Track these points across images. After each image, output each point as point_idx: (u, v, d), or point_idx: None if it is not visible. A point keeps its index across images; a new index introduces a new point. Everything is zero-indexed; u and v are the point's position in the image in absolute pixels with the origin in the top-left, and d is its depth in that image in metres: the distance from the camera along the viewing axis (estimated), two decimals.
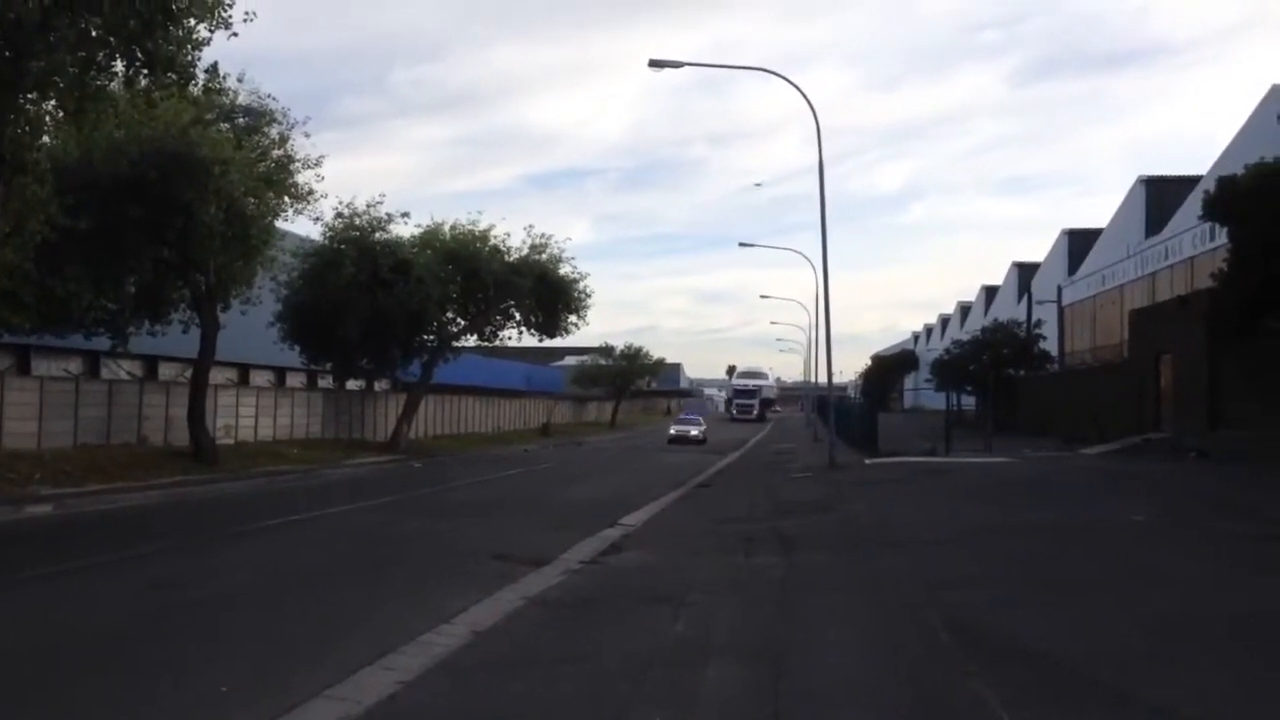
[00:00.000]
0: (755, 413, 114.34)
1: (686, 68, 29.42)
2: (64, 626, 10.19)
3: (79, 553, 14.66)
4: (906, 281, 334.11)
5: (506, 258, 43.09)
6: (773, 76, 31.49)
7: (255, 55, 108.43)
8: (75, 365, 34.00)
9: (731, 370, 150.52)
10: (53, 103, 19.70)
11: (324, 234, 39.47)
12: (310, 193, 31.95)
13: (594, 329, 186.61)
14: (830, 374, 35.76)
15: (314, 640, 9.56)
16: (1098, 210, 56.88)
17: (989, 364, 52.59)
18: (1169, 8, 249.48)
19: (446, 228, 42.96)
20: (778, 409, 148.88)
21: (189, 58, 20.09)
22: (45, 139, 22.49)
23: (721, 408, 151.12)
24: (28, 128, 19.60)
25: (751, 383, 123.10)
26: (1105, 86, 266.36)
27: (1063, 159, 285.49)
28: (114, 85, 20.48)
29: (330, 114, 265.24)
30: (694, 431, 62.36)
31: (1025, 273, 70.46)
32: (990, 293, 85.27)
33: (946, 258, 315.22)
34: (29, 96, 18.68)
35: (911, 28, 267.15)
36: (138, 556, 14.45)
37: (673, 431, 63.66)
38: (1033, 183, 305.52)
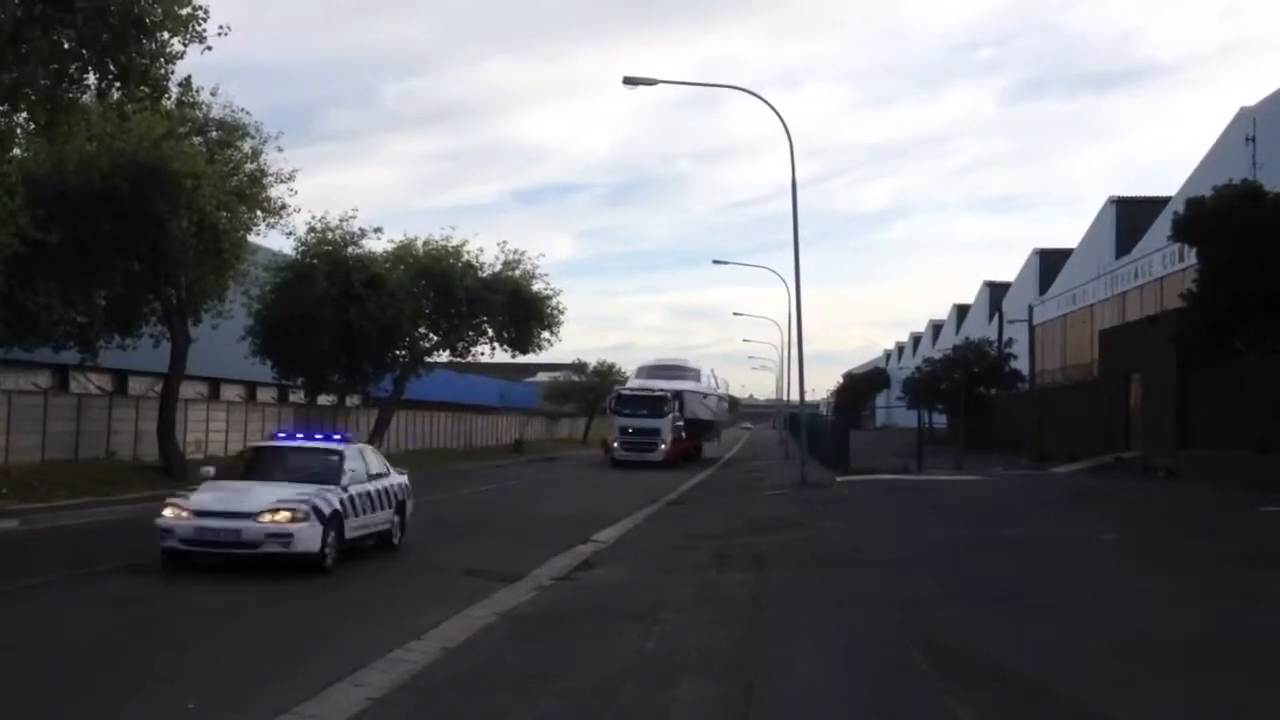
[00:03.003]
0: (662, 448, 49.66)
1: (667, 85, 29.56)
2: (26, 644, 10.08)
3: (43, 569, 14.49)
4: (886, 299, 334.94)
5: (480, 273, 43.01)
6: (753, 95, 31.56)
7: (242, 68, 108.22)
8: (44, 379, 33.69)
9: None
10: (24, 115, 19.60)
11: (296, 248, 39.31)
12: (283, 207, 31.87)
13: (574, 345, 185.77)
14: (802, 391, 35.68)
15: (284, 656, 9.51)
16: (1080, 230, 57.78)
17: (960, 382, 52.85)
18: (1160, 29, 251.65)
19: (420, 243, 42.86)
20: (748, 426, 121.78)
21: (162, 71, 20.00)
22: (16, 151, 22.36)
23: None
24: None
25: (661, 386, 53.08)
26: (1093, 107, 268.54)
27: (1048, 179, 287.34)
28: (86, 98, 20.39)
29: (318, 127, 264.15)
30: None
31: (997, 292, 70.86)
32: (962, 311, 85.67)
33: (926, 276, 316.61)
34: (0, 108, 18.56)
35: (905, 47, 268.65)
36: (104, 573, 14.30)
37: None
38: (1017, 202, 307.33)
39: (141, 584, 13.34)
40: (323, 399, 47.39)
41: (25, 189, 22.64)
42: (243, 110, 31.42)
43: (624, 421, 50.51)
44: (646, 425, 49.47)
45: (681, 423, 52.00)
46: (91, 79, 19.03)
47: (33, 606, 12.01)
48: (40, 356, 30.65)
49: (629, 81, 28.58)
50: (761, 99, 30.69)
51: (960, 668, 8.81)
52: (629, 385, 56.22)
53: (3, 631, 10.62)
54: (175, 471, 29.79)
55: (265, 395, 46.97)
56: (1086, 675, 8.57)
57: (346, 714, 7.47)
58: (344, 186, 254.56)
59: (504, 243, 53.29)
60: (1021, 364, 55.71)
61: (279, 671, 8.85)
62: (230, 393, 43.73)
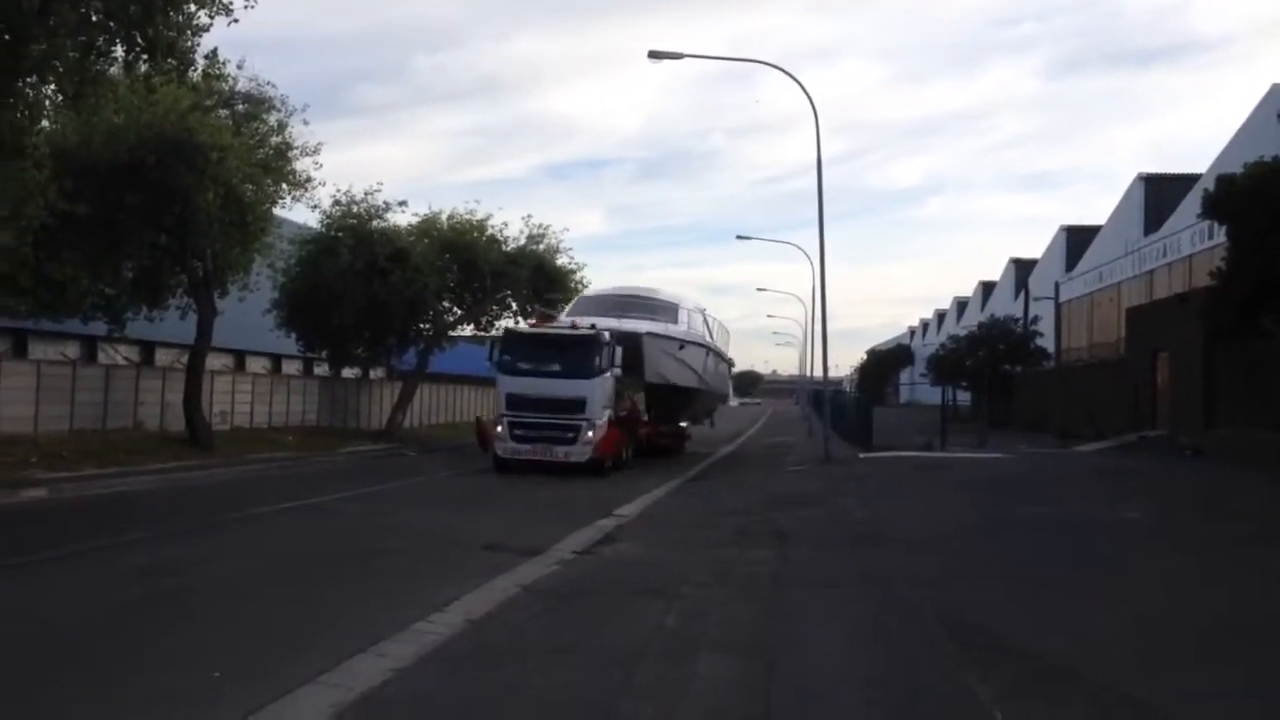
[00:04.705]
0: (588, 436, 27.53)
1: (698, 60, 29.39)
2: (55, 611, 10.21)
3: (72, 538, 14.67)
4: (913, 277, 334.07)
5: (504, 247, 43.00)
6: (779, 70, 31.35)
7: (271, 41, 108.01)
8: (72, 350, 34.01)
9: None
10: (52, 87, 19.65)
11: (321, 221, 39.44)
12: (308, 180, 31.98)
13: None
14: (825, 367, 35.66)
15: (308, 626, 9.59)
16: (1109, 208, 57.09)
17: (985, 360, 52.63)
18: (1203, 3, 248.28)
19: (444, 217, 42.88)
20: (756, 402, 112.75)
21: (189, 44, 20.09)
22: (44, 124, 22.46)
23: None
24: (27, 112, 19.55)
25: (604, 325, 28.85)
26: (1132, 83, 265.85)
27: (1081, 156, 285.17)
28: (113, 70, 20.47)
29: (348, 101, 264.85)
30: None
31: (1023, 269, 70.43)
32: (987, 288, 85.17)
33: (954, 253, 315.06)
34: (28, 81, 18.63)
35: (942, 22, 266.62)
36: (131, 542, 14.45)
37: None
38: (1048, 180, 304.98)
39: (167, 554, 13.46)
40: (347, 372, 47.63)
41: (53, 161, 22.76)
42: (268, 83, 31.55)
43: (516, 388, 28.04)
44: (557, 395, 27.47)
45: (639, 391, 31.21)
46: (119, 51, 19.07)
47: (61, 575, 12.15)
48: (69, 328, 30.96)
49: (654, 55, 28.41)
50: (788, 74, 30.45)
51: (982, 645, 8.81)
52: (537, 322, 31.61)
53: (32, 600, 10.76)
54: (201, 442, 30.04)
55: (290, 368, 47.26)
56: (1109, 654, 8.56)
57: (370, 684, 7.54)
58: (374, 161, 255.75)
59: (528, 217, 53.08)
60: (1047, 342, 55.41)
61: (303, 642, 8.93)
62: (256, 365, 44.03)
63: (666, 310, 33.02)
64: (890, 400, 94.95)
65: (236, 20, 19.62)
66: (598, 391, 27.74)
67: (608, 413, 28.13)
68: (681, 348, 31.95)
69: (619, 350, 28.09)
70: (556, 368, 27.91)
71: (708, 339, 36.31)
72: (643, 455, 31.70)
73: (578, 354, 27.96)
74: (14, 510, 18.43)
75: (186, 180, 26.02)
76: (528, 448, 27.65)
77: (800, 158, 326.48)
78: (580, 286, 45.10)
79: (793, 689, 7.71)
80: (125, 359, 35.50)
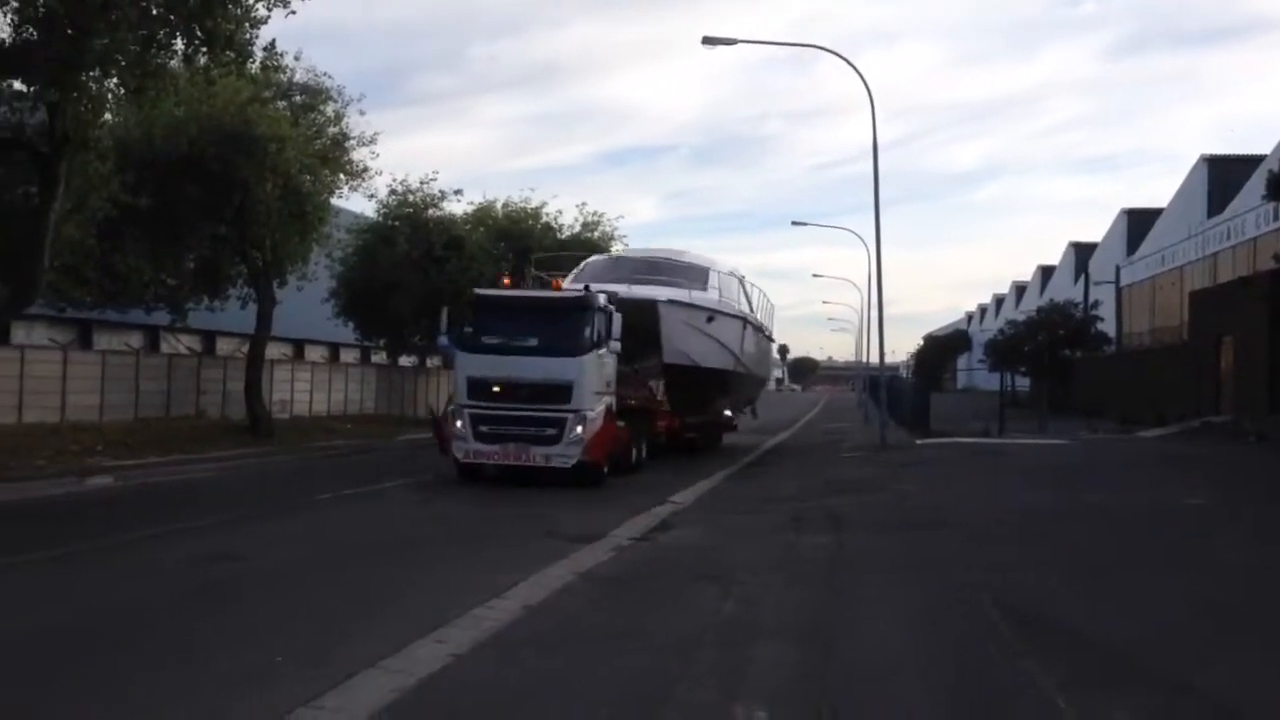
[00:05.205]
0: (577, 433, 20.45)
1: (753, 45, 29.25)
2: (121, 597, 10.41)
3: (136, 524, 14.93)
4: (973, 261, 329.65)
5: (558, 235, 43.13)
6: (833, 54, 31.14)
7: (330, 32, 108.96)
8: (136, 340, 34.61)
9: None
10: (114, 81, 19.97)
11: (378, 211, 39.80)
12: (365, 170, 32.30)
13: None
14: (882, 353, 35.49)
15: (368, 613, 9.69)
16: (1172, 191, 55.74)
17: (1044, 345, 51.95)
18: None
19: (499, 205, 43.10)
20: (793, 388, 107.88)
21: (247, 36, 20.32)
22: (107, 117, 22.82)
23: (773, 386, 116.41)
24: (90, 106, 19.90)
25: (606, 290, 22.25)
26: (1195, 63, 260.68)
27: (1143, 138, 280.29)
28: (174, 63, 20.75)
29: (406, 91, 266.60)
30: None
31: (1083, 253, 69.42)
32: (1046, 273, 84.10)
33: (1015, 237, 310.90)
34: (91, 75, 18.96)
35: (1003, 3, 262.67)
36: (194, 528, 14.69)
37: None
38: (1109, 162, 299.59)
39: (230, 540, 13.67)
40: (404, 360, 48.05)
41: (116, 154, 23.16)
42: (325, 74, 31.84)
43: (480, 369, 21.24)
44: (535, 377, 20.87)
45: (658, 375, 26.15)
46: (179, 45, 19.37)
47: (126, 560, 12.37)
48: (132, 318, 31.52)
49: (708, 41, 28.29)
50: (842, 58, 30.23)
51: (1042, 633, 8.72)
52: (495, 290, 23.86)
53: (99, 585, 10.98)
54: (262, 430, 30.45)
55: (348, 356, 47.75)
56: (1171, 641, 8.45)
57: (429, 669, 7.61)
58: (430, 150, 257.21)
59: (583, 204, 53.28)
60: (1107, 326, 54.61)
61: (363, 628, 9.03)
62: (314, 353, 44.54)
63: (692, 274, 26.65)
64: (947, 386, 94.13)
65: (294, 12, 19.90)
66: (589, 373, 20.80)
67: (605, 401, 21.34)
68: (710, 320, 25.90)
69: (618, 320, 21.37)
70: (534, 342, 21.06)
71: (745, 310, 30.16)
72: (666, 453, 26.89)
73: (562, 323, 21.04)
74: (82, 497, 18.82)
75: (245, 172, 26.38)
76: (495, 449, 20.61)
77: (857, 142, 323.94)
78: None
79: (850, 675, 7.68)
80: (187, 348, 36.08)
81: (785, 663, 7.99)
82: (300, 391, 38.98)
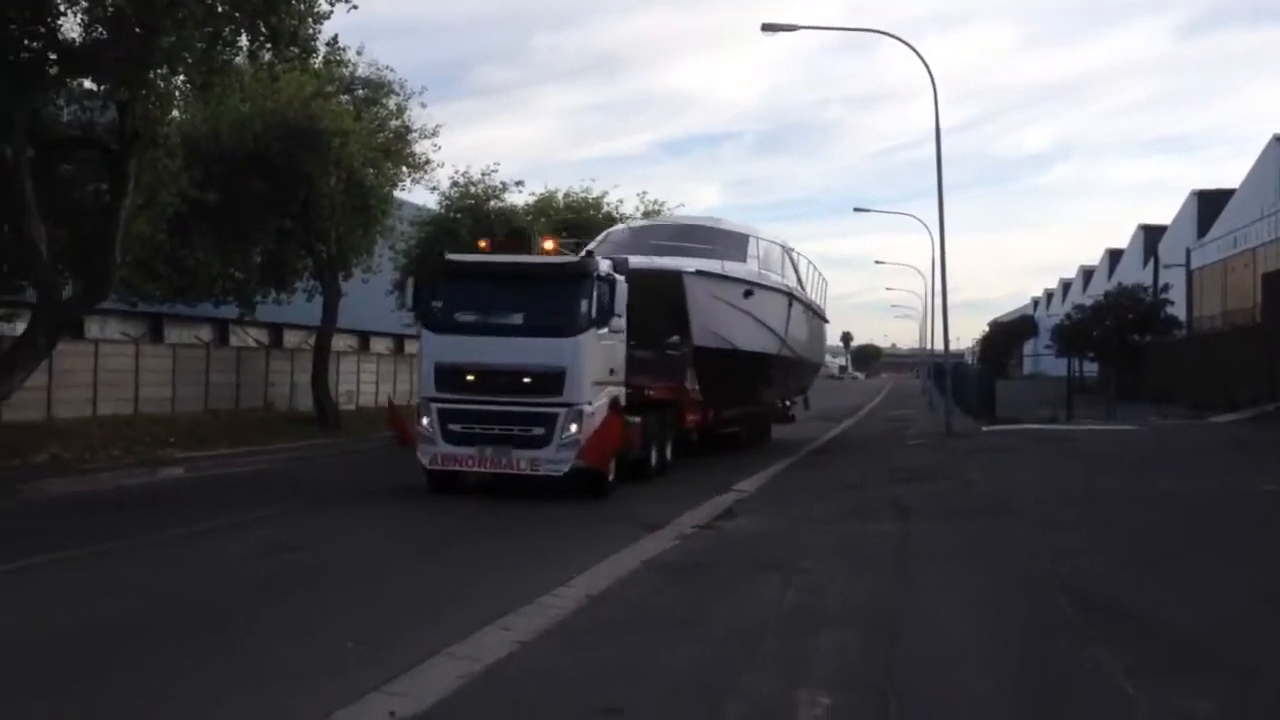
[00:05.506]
0: (572, 433, 16.72)
1: (814, 31, 29.04)
2: (196, 585, 10.65)
3: (208, 514, 15.19)
4: (1039, 245, 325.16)
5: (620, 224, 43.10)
6: (894, 39, 30.82)
7: (395, 25, 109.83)
8: (205, 333, 35.19)
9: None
10: (181, 78, 20.30)
11: (440, 203, 40.05)
12: (427, 162, 32.52)
13: None
14: (946, 340, 35.23)
15: (436, 601, 9.82)
16: (1244, 171, 54.20)
17: (1112, 329, 51.15)
18: None
19: (560, 195, 43.16)
20: (855, 375, 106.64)
21: (310, 31, 20.56)
22: (175, 114, 23.21)
23: (835, 373, 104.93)
24: (158, 103, 20.25)
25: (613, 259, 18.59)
26: (1275, 39, 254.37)
27: (1218, 118, 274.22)
28: (239, 60, 21.04)
29: (470, 82, 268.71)
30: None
31: (1152, 235, 68.21)
32: (1114, 256, 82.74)
33: (1082, 221, 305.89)
34: (159, 72, 19.28)
35: None
36: (264, 518, 14.96)
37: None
38: (1182, 143, 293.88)
39: (300, 529, 13.90)
40: None
41: (184, 150, 23.55)
42: (387, 68, 32.07)
43: (451, 354, 17.58)
44: (518, 363, 17.16)
45: (687, 363, 21.74)
46: (244, 41, 19.64)
47: (200, 549, 12.63)
48: (201, 311, 32.01)
49: (768, 28, 28.10)
50: (903, 41, 29.89)
51: (1109, 620, 8.62)
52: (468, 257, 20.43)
53: (174, 573, 11.23)
54: (329, 421, 30.83)
55: (412, 347, 48.11)
56: (1244, 630, 8.31)
57: (495, 656, 7.70)
58: (492, 141, 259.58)
59: (643, 193, 53.05)
60: (1177, 310, 53.65)
61: (432, 616, 9.15)
62: (379, 345, 44.99)
63: (728, 242, 23.13)
64: (1013, 372, 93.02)
65: (355, 6, 20.11)
66: (587, 357, 17.10)
67: (608, 392, 17.92)
68: (748, 294, 22.28)
69: (623, 290, 17.92)
70: (517, 319, 17.49)
71: (792, 285, 26.42)
72: (700, 452, 23.67)
73: (553, 295, 17.44)
74: (155, 487, 19.21)
75: (310, 166, 26.70)
76: (469, 453, 16.94)
77: (921, 126, 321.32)
78: None
79: (915, 662, 7.64)
80: (255, 341, 36.61)
81: (849, 650, 7.97)
82: (366, 382, 39.40)
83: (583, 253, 19.20)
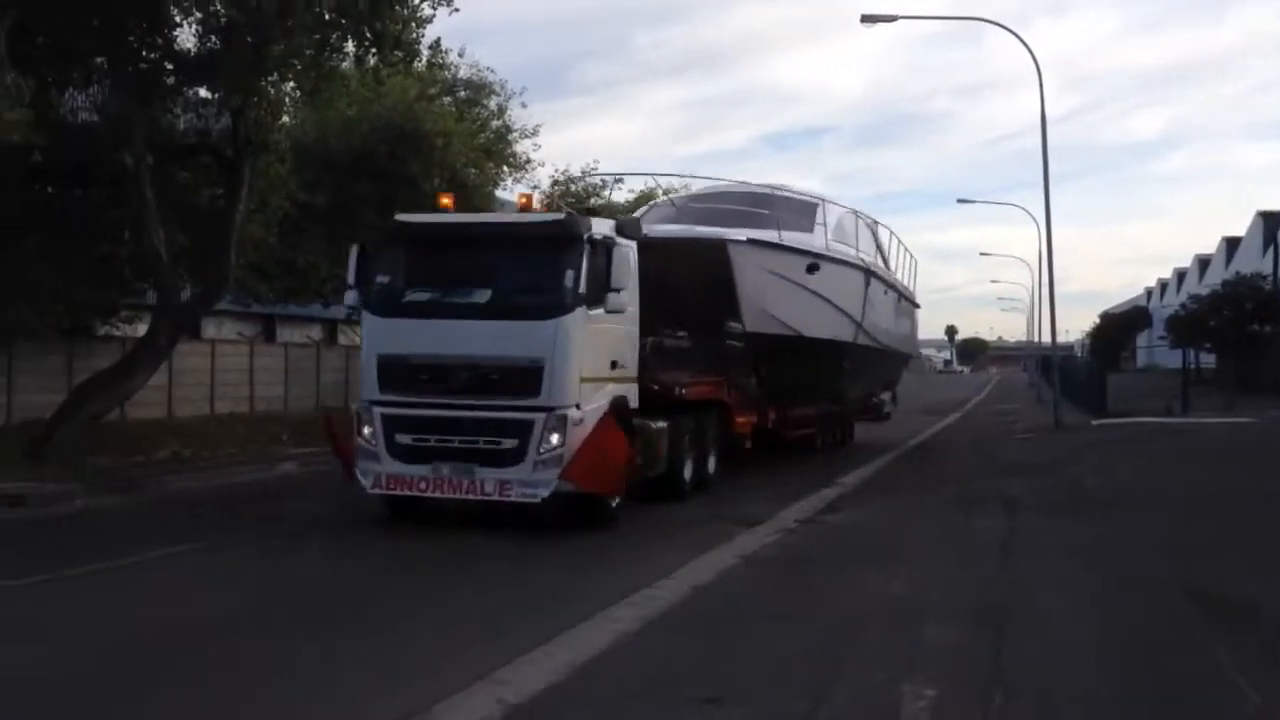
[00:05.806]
0: (553, 445, 12.65)
1: (917, 21, 28.74)
2: (315, 575, 10.99)
3: (322, 509, 15.64)
4: (1152, 235, 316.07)
5: None
6: (998, 26, 30.36)
7: (498, 25, 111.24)
8: (316, 332, 36.03)
9: None
10: (291, 85, 20.85)
11: (541, 201, 40.41)
12: (527, 161, 32.91)
13: None
14: (1054, 332, 34.56)
15: (540, 594, 9.98)
16: None
17: (1230, 320, 49.66)
18: None
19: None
20: (960, 369, 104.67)
21: (413, 35, 20.94)
22: (285, 119, 23.81)
23: (940, 367, 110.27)
24: (269, 109, 20.81)
25: (662, 231, 15.88)
26: None
27: None
28: (345, 65, 21.53)
29: (572, 80, 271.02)
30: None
31: (1271, 222, 65.88)
32: (1232, 244, 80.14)
33: (1196, 209, 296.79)
34: (270, 80, 19.83)
35: None
36: (376, 514, 15.27)
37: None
38: None
39: (408, 523, 14.09)
40: None
41: (293, 155, 24.16)
42: (488, 69, 32.50)
43: (398, 343, 13.44)
44: (484, 355, 13.02)
45: (741, 354, 18.42)
46: (350, 47, 20.11)
47: (320, 542, 13.00)
48: (311, 311, 32.77)
49: (867, 19, 27.91)
50: (1008, 29, 29.53)
51: (1225, 616, 8.43)
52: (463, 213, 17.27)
53: (290, 565, 11.59)
54: None
55: None
56: None
57: (599, 646, 7.80)
58: (594, 139, 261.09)
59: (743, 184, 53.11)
60: None
61: (537, 609, 9.28)
62: None
63: (791, 208, 19.23)
64: (1126, 365, 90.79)
65: (457, 10, 20.44)
66: (574, 345, 12.93)
67: (607, 391, 13.66)
68: (813, 269, 18.07)
69: (628, 259, 13.67)
70: (482, 297, 13.36)
71: (871, 260, 22.03)
72: (754, 461, 19.45)
73: (529, 267, 13.60)
74: (270, 483, 19.77)
75: (414, 168, 27.16)
76: (422, 472, 13.07)
77: (1028, 116, 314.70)
78: None
79: (1023, 658, 7.55)
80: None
81: (955, 645, 7.91)
82: None
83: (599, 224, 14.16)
